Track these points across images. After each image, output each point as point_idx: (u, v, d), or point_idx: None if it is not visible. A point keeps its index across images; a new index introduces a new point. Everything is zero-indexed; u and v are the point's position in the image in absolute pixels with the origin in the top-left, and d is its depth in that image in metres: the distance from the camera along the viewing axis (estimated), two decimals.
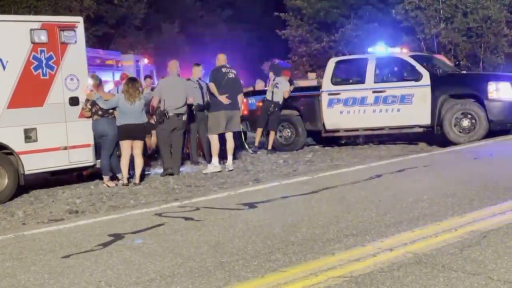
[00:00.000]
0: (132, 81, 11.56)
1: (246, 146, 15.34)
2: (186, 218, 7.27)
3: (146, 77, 18.58)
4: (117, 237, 6.51)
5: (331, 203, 7.61)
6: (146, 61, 29.38)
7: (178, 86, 12.22)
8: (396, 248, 5.30)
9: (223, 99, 12.12)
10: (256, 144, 15.09)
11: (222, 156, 12.51)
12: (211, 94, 12.35)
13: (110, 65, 26.01)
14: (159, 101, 12.06)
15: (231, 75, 12.45)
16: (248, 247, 5.70)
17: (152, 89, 14.21)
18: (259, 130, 15.12)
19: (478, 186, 7.87)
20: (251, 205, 7.81)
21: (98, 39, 31.17)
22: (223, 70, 12.41)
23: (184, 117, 12.24)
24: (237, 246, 5.80)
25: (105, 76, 21.06)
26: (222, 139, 12.36)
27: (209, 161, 12.49)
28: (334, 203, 7.61)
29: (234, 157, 12.79)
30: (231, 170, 12.06)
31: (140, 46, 34.15)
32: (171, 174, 11.95)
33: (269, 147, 14.98)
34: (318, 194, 8.30)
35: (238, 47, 35.56)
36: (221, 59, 12.63)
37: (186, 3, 42.13)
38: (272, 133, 15.06)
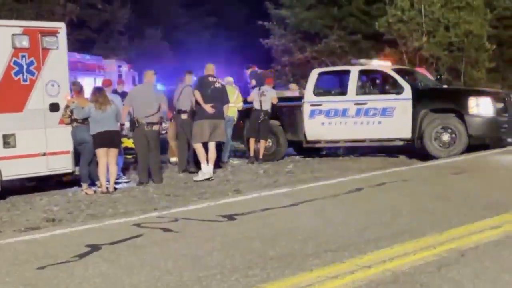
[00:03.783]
0: (98, 90, 11.61)
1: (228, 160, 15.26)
2: (165, 230, 7.21)
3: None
4: (94, 248, 6.42)
5: (310, 217, 7.59)
6: (127, 67, 29.28)
7: (149, 95, 12.15)
8: (375, 266, 5.29)
9: (208, 107, 12.10)
10: (251, 154, 15.00)
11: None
12: (196, 102, 12.33)
13: (92, 70, 25.88)
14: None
15: (218, 85, 12.45)
16: (227, 261, 5.66)
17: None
18: (252, 140, 15.04)
19: (457, 203, 7.91)
20: (231, 217, 7.77)
21: (80, 43, 30.99)
22: (210, 79, 12.42)
23: (156, 127, 12.15)
24: (216, 260, 5.75)
25: (87, 81, 20.96)
26: (205, 148, 12.34)
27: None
28: (314, 216, 7.60)
29: (216, 166, 12.75)
30: (212, 179, 12.03)
31: (123, 52, 34.01)
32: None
33: (261, 156, 14.91)
34: (298, 207, 8.28)
35: (222, 54, 35.55)
36: (209, 68, 12.66)
37: (170, 9, 42.08)
38: (263, 142, 15.00)
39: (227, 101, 12.72)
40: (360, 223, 7.01)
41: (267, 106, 14.91)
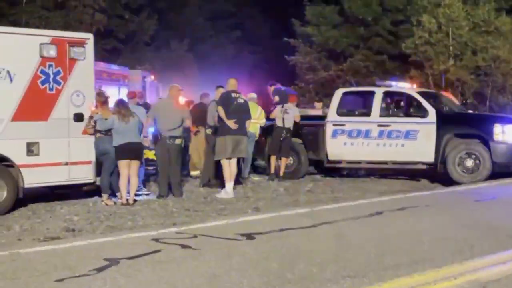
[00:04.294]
0: (122, 102, 11.70)
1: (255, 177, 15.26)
2: (183, 246, 7.19)
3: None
4: (113, 262, 6.42)
5: (330, 239, 7.53)
6: (152, 77, 29.38)
7: (173, 109, 12.20)
8: None
9: (231, 123, 12.10)
10: (272, 171, 14.98)
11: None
12: (219, 118, 12.33)
13: (117, 80, 26.01)
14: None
15: (241, 101, 12.44)
16: (244, 282, 5.62)
17: None
18: (273, 158, 15.02)
19: (480, 231, 7.81)
20: (249, 236, 7.73)
21: (107, 53, 31.25)
22: (233, 95, 12.41)
23: (178, 140, 12.17)
24: (233, 280, 5.72)
25: (111, 91, 21.05)
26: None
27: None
28: (333, 239, 7.54)
29: (236, 182, 12.73)
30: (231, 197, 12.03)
31: (148, 62, 34.23)
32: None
33: (281, 174, 14.89)
34: (317, 229, 8.23)
35: (246, 69, 35.60)
36: (232, 83, 12.63)
37: (196, 22, 42.28)
38: (284, 160, 14.98)
39: (249, 117, 12.71)
40: (379, 248, 6.94)
41: (289, 124, 14.89)
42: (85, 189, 12.27)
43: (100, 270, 6.12)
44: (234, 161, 12.33)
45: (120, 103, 11.67)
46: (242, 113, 12.37)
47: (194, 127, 14.94)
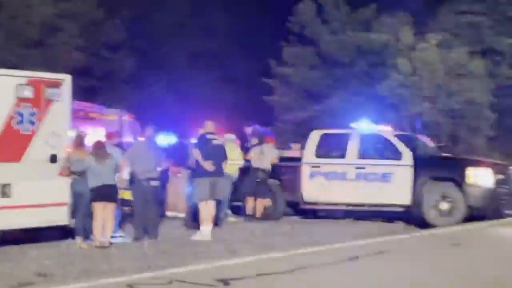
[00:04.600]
0: (97, 143, 11.60)
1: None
2: None
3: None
4: None
5: (306, 287, 7.48)
6: (129, 116, 29.28)
7: (149, 150, 12.17)
8: None
9: (208, 165, 12.10)
10: (248, 212, 14.95)
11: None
12: (196, 160, 12.35)
13: (94, 118, 25.89)
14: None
15: (217, 142, 12.48)
16: None
17: None
18: (250, 199, 15.00)
19: (454, 279, 7.83)
20: (225, 282, 7.64)
21: (84, 91, 31.14)
22: (209, 137, 12.45)
23: (154, 182, 12.12)
24: None
25: (88, 130, 20.93)
26: None
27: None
28: (310, 287, 7.48)
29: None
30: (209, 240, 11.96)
31: (126, 101, 34.17)
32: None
33: (258, 215, 14.86)
34: (293, 275, 8.18)
35: (224, 108, 35.66)
36: (208, 125, 12.68)
37: (175, 60, 42.42)
38: (261, 201, 14.96)
39: (225, 158, 12.73)
40: None
41: (266, 165, 14.91)
42: None
43: None
44: (211, 203, 12.29)
45: (97, 144, 11.61)
46: (218, 154, 12.40)
47: (175, 168, 14.94)
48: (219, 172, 12.37)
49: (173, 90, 41.13)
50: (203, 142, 12.42)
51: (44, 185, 11.09)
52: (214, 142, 12.46)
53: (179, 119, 32.72)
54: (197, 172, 12.37)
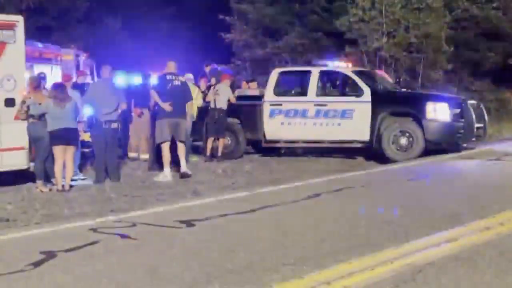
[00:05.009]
0: (59, 86, 11.39)
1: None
2: (122, 236, 7.12)
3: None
4: (50, 255, 6.29)
5: (269, 226, 7.59)
6: (85, 55, 28.73)
7: (107, 92, 12.01)
8: (334, 282, 5.30)
9: (166, 106, 12.01)
10: (208, 153, 14.96)
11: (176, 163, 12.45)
12: (155, 102, 12.26)
13: (49, 59, 25.34)
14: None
15: (177, 82, 12.31)
16: (185, 274, 5.61)
17: None
18: (210, 139, 14.99)
19: (414, 213, 8.01)
20: (189, 223, 7.71)
21: (38, 31, 30.34)
22: (168, 77, 12.30)
23: (114, 124, 12.00)
24: (174, 271, 5.70)
25: (44, 70, 20.50)
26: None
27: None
28: (273, 225, 7.59)
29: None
30: (190, 174, 12.03)
31: (81, 40, 33.45)
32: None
33: (219, 154, 14.89)
34: (256, 214, 8.28)
35: (182, 46, 35.19)
36: (170, 66, 12.51)
37: None
38: (221, 140, 14.98)
39: (188, 99, 12.61)
40: (318, 234, 7.03)
41: (221, 105, 14.85)
42: None
43: (36, 264, 5.99)
44: (180, 145, 12.23)
45: (57, 87, 11.38)
46: (179, 95, 12.26)
47: (137, 109, 14.81)
48: (179, 112, 12.26)
49: (129, 28, 40.36)
50: (162, 83, 12.29)
51: (1, 129, 10.91)
52: (174, 82, 12.31)
53: (136, 58, 32.29)
54: (157, 114, 12.27)
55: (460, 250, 6.26)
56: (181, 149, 12.31)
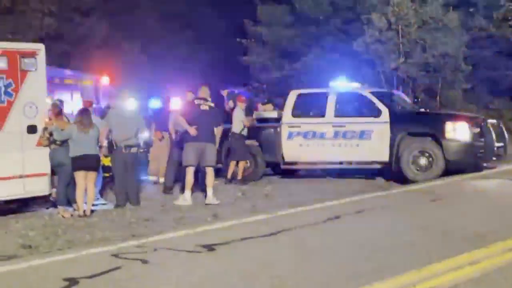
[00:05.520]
0: (84, 112, 11.51)
1: None
2: (143, 261, 7.15)
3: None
4: (72, 282, 6.34)
5: (289, 249, 7.58)
6: (106, 80, 28.96)
7: (126, 117, 12.12)
8: None
9: (191, 130, 12.03)
10: (229, 176, 15.01)
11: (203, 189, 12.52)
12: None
13: (69, 85, 25.62)
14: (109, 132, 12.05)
15: (205, 107, 12.31)
16: None
17: None
18: (232, 163, 15.04)
19: (436, 234, 7.96)
20: (210, 248, 7.73)
21: (57, 57, 30.73)
22: (196, 102, 12.35)
23: (134, 149, 12.08)
24: None
25: (64, 97, 20.73)
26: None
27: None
28: (293, 249, 7.59)
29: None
30: (217, 203, 11.90)
31: (100, 66, 33.79)
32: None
33: (239, 177, 14.94)
34: (276, 237, 8.27)
35: (199, 69, 35.45)
36: (203, 91, 12.52)
37: (147, 23, 41.90)
38: (241, 164, 15.06)
39: (217, 124, 12.54)
40: (338, 257, 7.02)
41: (234, 129, 14.89)
42: None
43: None
44: (209, 169, 12.20)
45: (83, 112, 11.50)
46: (206, 120, 12.22)
47: (158, 133, 14.92)
48: (206, 137, 12.19)
49: (147, 53, 40.72)
50: (190, 108, 12.36)
51: (23, 156, 11.05)
52: (203, 107, 12.30)
53: (155, 82, 32.55)
54: (185, 138, 12.39)
55: (483, 272, 6.21)
56: (209, 175, 12.14)
